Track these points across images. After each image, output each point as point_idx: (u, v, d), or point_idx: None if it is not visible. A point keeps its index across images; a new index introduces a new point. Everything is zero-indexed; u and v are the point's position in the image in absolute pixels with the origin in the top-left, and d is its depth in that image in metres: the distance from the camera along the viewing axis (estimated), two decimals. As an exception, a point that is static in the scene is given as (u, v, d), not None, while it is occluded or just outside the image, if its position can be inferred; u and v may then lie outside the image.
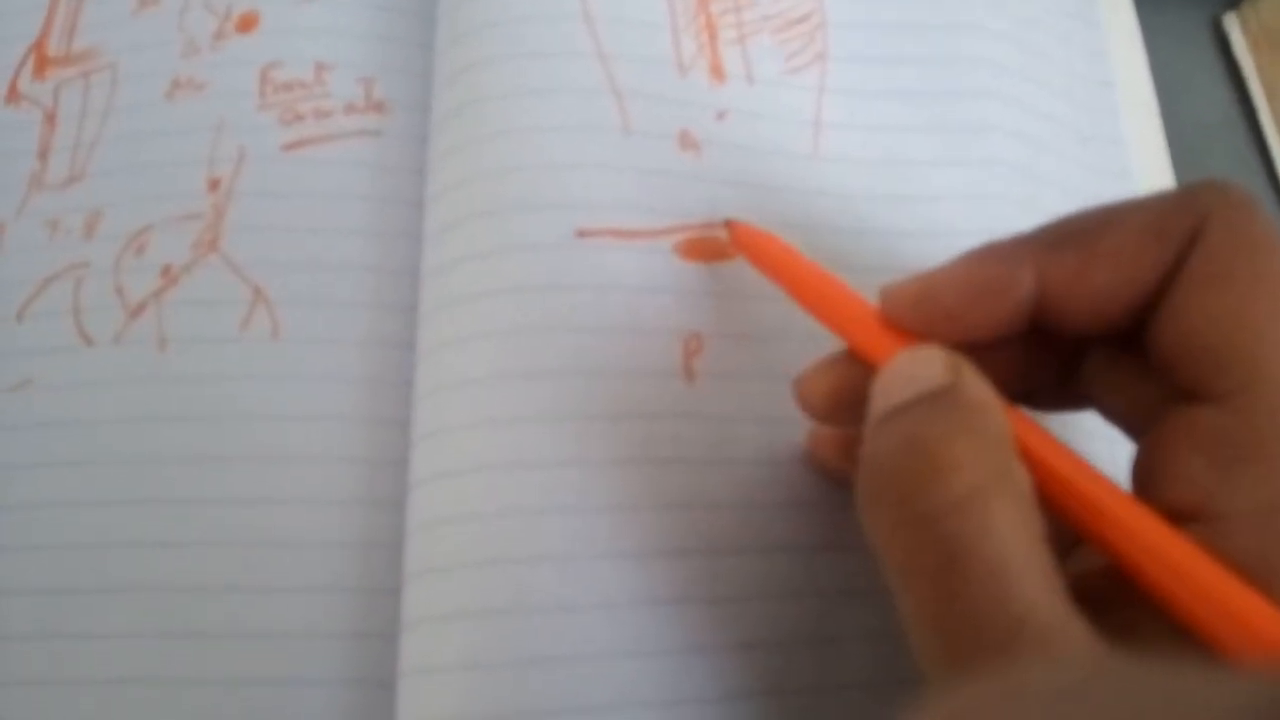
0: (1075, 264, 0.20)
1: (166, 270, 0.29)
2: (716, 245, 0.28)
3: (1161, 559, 0.17)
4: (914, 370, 0.19)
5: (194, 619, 0.25)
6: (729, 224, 0.28)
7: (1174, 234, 0.19)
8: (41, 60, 0.32)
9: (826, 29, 0.32)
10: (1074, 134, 0.33)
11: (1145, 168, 0.34)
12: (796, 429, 0.27)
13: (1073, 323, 0.21)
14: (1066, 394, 0.23)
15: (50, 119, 0.31)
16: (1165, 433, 0.19)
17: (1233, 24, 0.39)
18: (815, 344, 0.27)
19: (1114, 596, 0.18)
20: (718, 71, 0.30)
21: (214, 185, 0.29)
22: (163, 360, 0.28)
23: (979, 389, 0.19)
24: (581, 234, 0.27)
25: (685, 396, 0.26)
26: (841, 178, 0.30)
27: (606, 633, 0.24)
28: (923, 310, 0.21)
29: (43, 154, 0.31)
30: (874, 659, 0.25)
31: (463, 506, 0.25)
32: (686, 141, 0.29)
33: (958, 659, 0.17)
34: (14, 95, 0.32)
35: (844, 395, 0.22)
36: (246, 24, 0.31)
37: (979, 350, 0.20)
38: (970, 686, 0.17)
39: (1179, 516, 0.18)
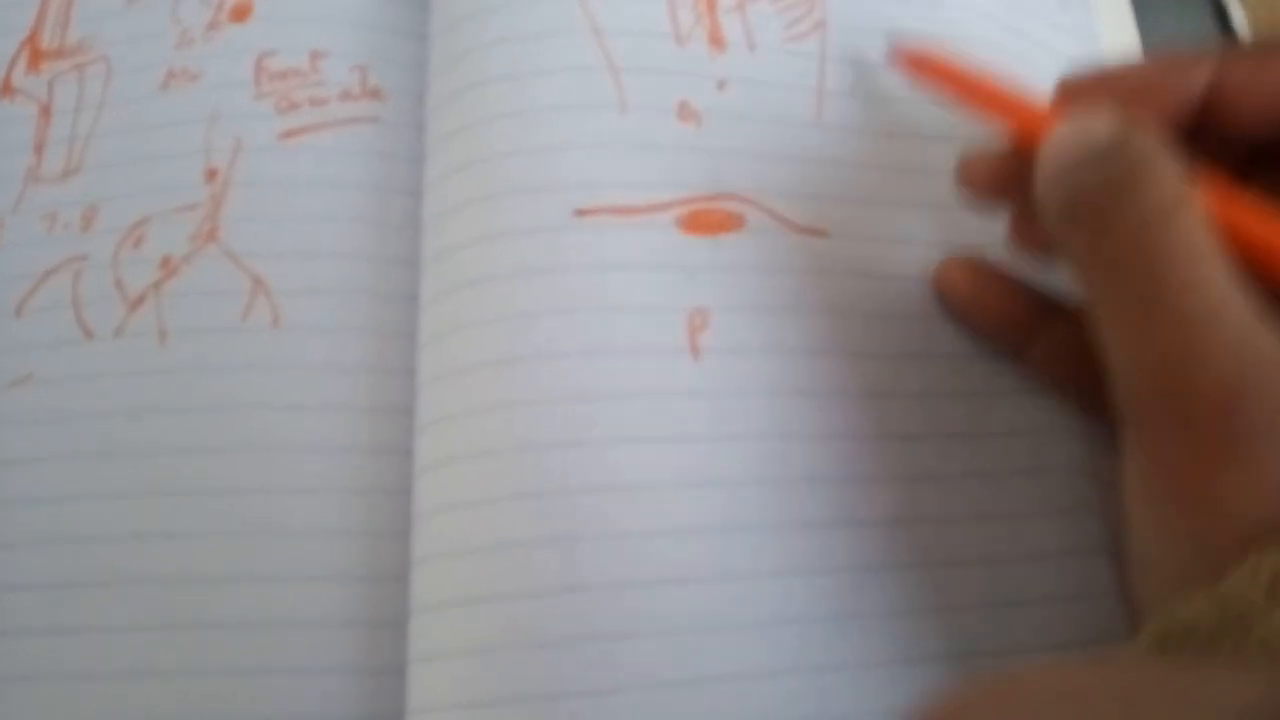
0: (1253, 62, 0.22)
1: (165, 262, 0.28)
2: (720, 217, 0.28)
3: None
4: (1084, 128, 0.21)
5: (199, 610, 0.25)
6: (894, 47, 0.29)
7: None
8: (35, 53, 0.32)
9: (827, -4, 0.31)
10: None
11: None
12: (809, 402, 0.26)
13: (1247, 122, 0.22)
14: None
15: (45, 112, 0.31)
16: None
17: (1232, -6, 0.39)
18: (830, 318, 0.27)
19: None
20: (717, 40, 0.30)
21: (211, 175, 0.29)
22: (164, 352, 0.27)
23: (1149, 139, 0.20)
24: (581, 213, 0.27)
25: (693, 374, 0.26)
26: (845, 146, 0.29)
27: (615, 613, 0.24)
28: (1098, 90, 0.23)
29: (38, 148, 0.30)
30: (891, 637, 0.25)
31: (468, 492, 0.25)
32: (686, 113, 0.29)
33: (1156, 346, 0.19)
34: (8, 89, 0.32)
35: (1005, 176, 0.25)
36: (240, 13, 0.31)
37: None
38: (967, 687, 0.17)
39: None
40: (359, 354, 0.28)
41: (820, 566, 0.25)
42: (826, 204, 0.29)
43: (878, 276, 0.28)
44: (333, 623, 0.25)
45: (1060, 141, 0.21)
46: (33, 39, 0.32)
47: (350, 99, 0.31)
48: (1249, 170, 0.23)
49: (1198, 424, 0.19)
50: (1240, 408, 0.18)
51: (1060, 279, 0.27)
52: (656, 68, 0.29)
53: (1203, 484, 0.19)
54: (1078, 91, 0.23)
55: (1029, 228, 0.26)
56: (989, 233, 0.28)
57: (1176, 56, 0.23)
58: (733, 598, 0.24)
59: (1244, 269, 0.20)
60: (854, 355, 0.27)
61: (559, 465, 0.25)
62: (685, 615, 0.24)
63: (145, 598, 0.25)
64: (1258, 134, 0.22)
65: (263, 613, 0.25)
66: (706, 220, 0.28)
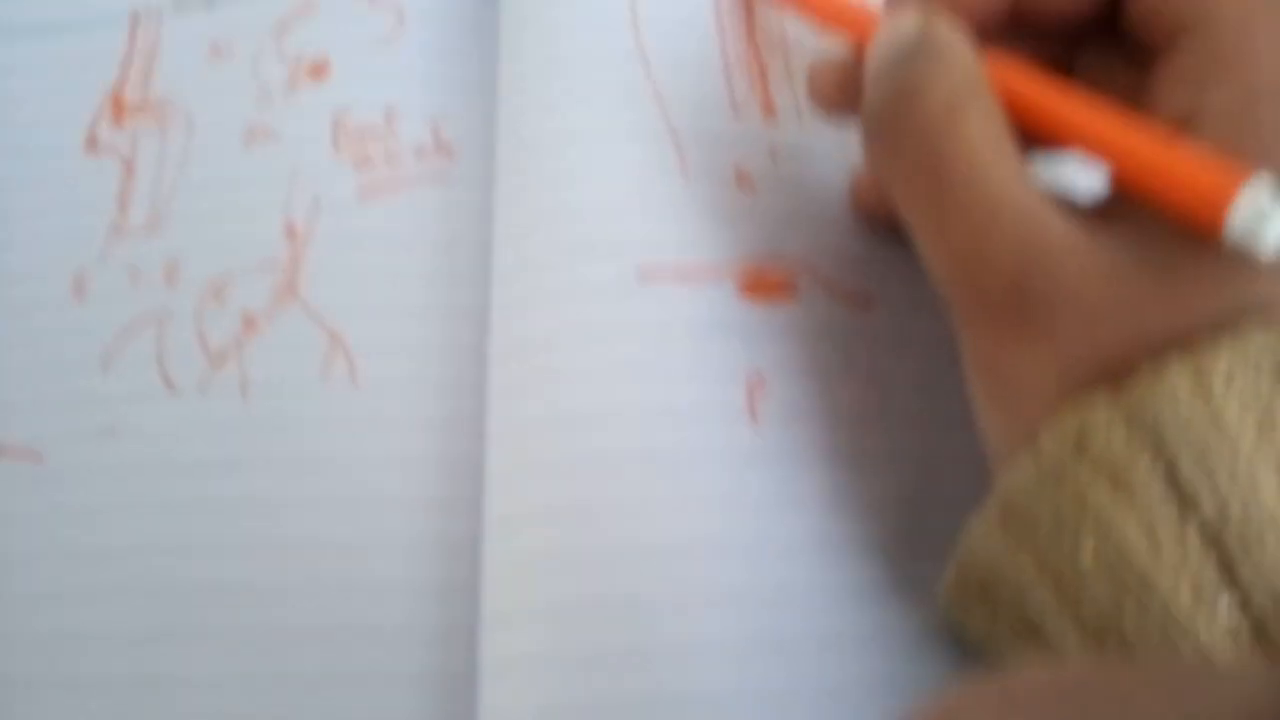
0: None
1: (247, 318, 0.29)
2: (775, 282, 0.28)
3: (1110, 139, 0.20)
4: (894, 29, 0.23)
5: (280, 663, 0.26)
6: None
7: None
8: (119, 108, 0.33)
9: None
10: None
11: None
12: (865, 471, 0.27)
13: (1054, 9, 0.24)
14: None
15: (129, 167, 0.32)
16: (1149, 86, 0.22)
17: None
18: (878, 385, 0.28)
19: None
20: (769, 108, 0.31)
21: (291, 232, 0.30)
22: (245, 407, 0.28)
23: (944, 31, 0.22)
24: (643, 276, 0.28)
25: (752, 439, 0.27)
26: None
27: (675, 679, 0.24)
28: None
29: (123, 201, 0.31)
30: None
31: (535, 552, 0.25)
32: (743, 179, 0.29)
33: (952, 244, 0.21)
34: (94, 144, 0.33)
35: (848, 85, 0.26)
36: (318, 71, 0.32)
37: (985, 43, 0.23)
38: (965, 686, 0.18)
39: None
40: (432, 409, 0.29)
41: (877, 634, 0.26)
42: (874, 270, 0.29)
43: (925, 343, 0.29)
44: (405, 676, 0.26)
45: (872, 49, 0.23)
46: (117, 94, 0.33)
47: (424, 155, 0.31)
48: (1077, 55, 0.25)
49: (991, 307, 0.21)
50: (1026, 288, 0.20)
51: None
52: (714, 134, 0.30)
53: (1005, 359, 0.21)
54: None
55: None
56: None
57: None
58: (786, 665, 0.25)
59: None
60: (906, 421, 0.28)
61: (620, 527, 0.25)
62: (745, 679, 0.25)
63: (227, 649, 0.26)
64: (1065, 20, 0.24)
65: (339, 665, 0.26)
66: (763, 284, 0.28)
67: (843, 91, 0.26)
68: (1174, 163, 0.19)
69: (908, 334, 0.29)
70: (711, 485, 0.26)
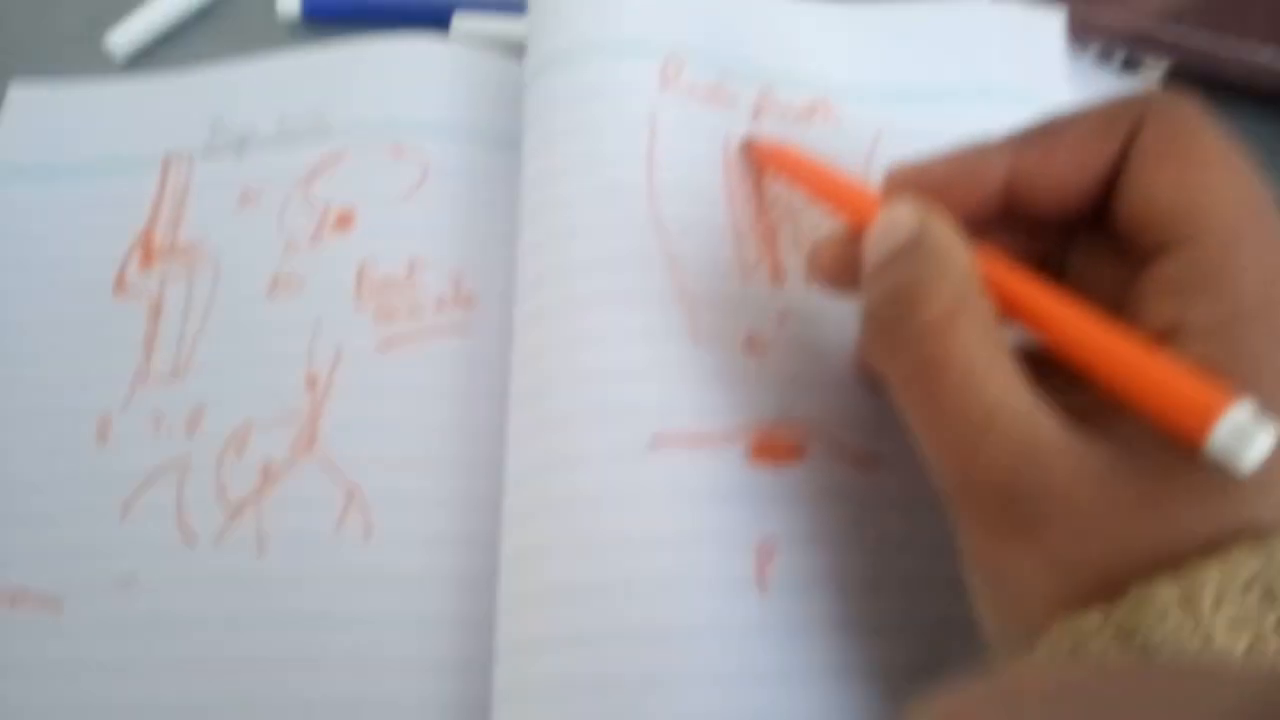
0: (1040, 154, 0.24)
1: (266, 470, 0.30)
2: (784, 446, 0.29)
3: (1092, 345, 0.21)
4: (891, 223, 0.24)
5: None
6: (747, 141, 0.32)
7: (1118, 129, 0.23)
8: (148, 252, 0.34)
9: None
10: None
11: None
12: (876, 637, 0.27)
13: (1045, 206, 0.24)
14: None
15: (156, 311, 0.33)
16: (1133, 292, 0.22)
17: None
18: (889, 549, 0.28)
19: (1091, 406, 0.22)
20: (778, 273, 0.31)
21: (312, 383, 0.31)
22: (261, 562, 0.29)
23: (943, 233, 0.23)
24: (655, 441, 0.28)
25: (761, 608, 0.27)
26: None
27: None
28: (912, 188, 0.25)
29: (148, 346, 0.32)
30: None
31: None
32: (752, 345, 0.30)
33: (948, 449, 0.22)
34: (122, 286, 0.33)
35: (847, 262, 0.26)
36: (344, 222, 0.33)
37: (973, 234, 0.24)
38: (1041, 661, 0.19)
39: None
40: (446, 565, 0.29)
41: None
42: (883, 432, 0.30)
43: (934, 505, 0.29)
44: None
45: (869, 239, 0.24)
46: (146, 237, 0.34)
47: (444, 307, 0.32)
48: (1069, 247, 0.26)
49: (985, 508, 0.21)
50: (1019, 491, 0.20)
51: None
52: (725, 299, 0.30)
53: (998, 558, 0.21)
54: (901, 182, 0.26)
55: None
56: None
57: (982, 147, 0.25)
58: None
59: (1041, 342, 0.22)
60: (916, 585, 0.28)
61: (628, 703, 0.26)
62: None
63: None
64: (1054, 216, 0.25)
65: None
66: (772, 449, 0.29)
67: (842, 268, 0.27)
68: (1158, 375, 0.20)
69: (918, 495, 0.29)
70: (720, 659, 0.26)
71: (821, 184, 0.29)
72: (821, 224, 0.33)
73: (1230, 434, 0.18)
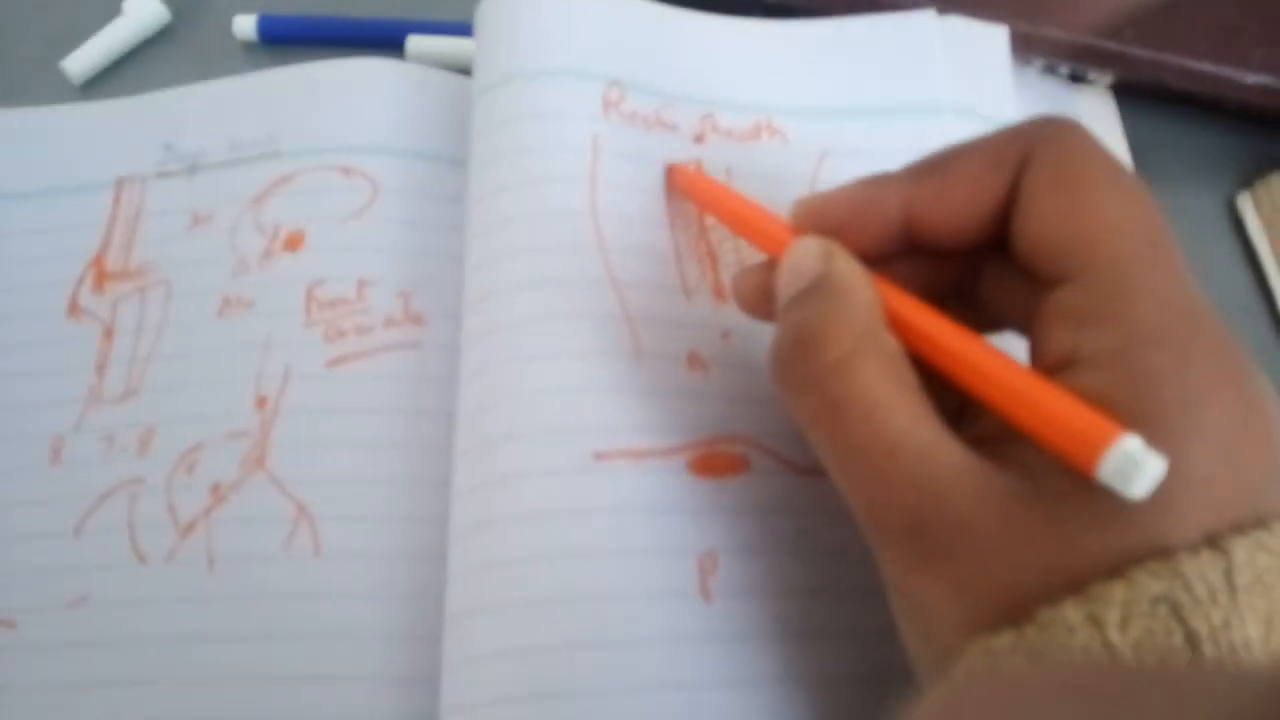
0: (933, 189, 0.25)
1: (216, 488, 0.30)
2: (726, 460, 0.29)
3: (988, 378, 0.22)
4: (798, 261, 0.25)
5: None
6: (670, 167, 0.33)
7: (1007, 159, 0.24)
8: (101, 275, 0.34)
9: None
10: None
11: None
12: (819, 645, 0.28)
13: (944, 238, 0.25)
14: (978, 312, 0.27)
15: (108, 333, 0.33)
16: (1036, 318, 0.23)
17: (1246, 204, 0.40)
18: (830, 558, 0.29)
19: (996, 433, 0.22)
20: (720, 293, 0.32)
21: (261, 403, 0.31)
22: (211, 579, 0.29)
23: (847, 273, 0.24)
24: (599, 456, 0.28)
25: (705, 617, 0.27)
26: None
27: None
28: (815, 223, 0.26)
29: (100, 368, 0.33)
30: None
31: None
32: (695, 361, 0.30)
33: (857, 484, 0.22)
34: (75, 309, 0.34)
35: (766, 290, 0.27)
36: (293, 243, 0.33)
37: (882, 263, 0.25)
38: (960, 683, 0.19)
39: (1050, 374, 0.22)
40: (394, 581, 0.30)
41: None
42: None
43: None
44: None
45: (778, 278, 0.25)
46: (99, 260, 0.34)
47: (393, 325, 0.33)
48: (979, 271, 0.26)
49: (895, 539, 0.22)
50: (924, 520, 0.21)
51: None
52: (667, 318, 0.31)
53: (910, 586, 0.22)
54: (806, 214, 0.26)
55: None
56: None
57: (877, 181, 0.25)
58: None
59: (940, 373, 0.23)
60: (858, 594, 0.29)
61: (575, 714, 0.26)
62: None
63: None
64: (955, 247, 0.25)
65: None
66: (714, 463, 0.29)
67: (761, 296, 0.27)
68: (1049, 408, 0.20)
69: None
70: (666, 667, 0.27)
71: (737, 216, 0.30)
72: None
73: (1119, 464, 0.19)
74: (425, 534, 0.30)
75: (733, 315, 0.32)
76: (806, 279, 0.24)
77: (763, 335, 0.31)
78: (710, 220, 0.33)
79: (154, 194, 0.35)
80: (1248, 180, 0.41)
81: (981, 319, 0.27)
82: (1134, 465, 0.18)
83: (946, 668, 0.21)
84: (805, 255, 0.25)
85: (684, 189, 0.33)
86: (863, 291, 0.24)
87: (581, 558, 0.27)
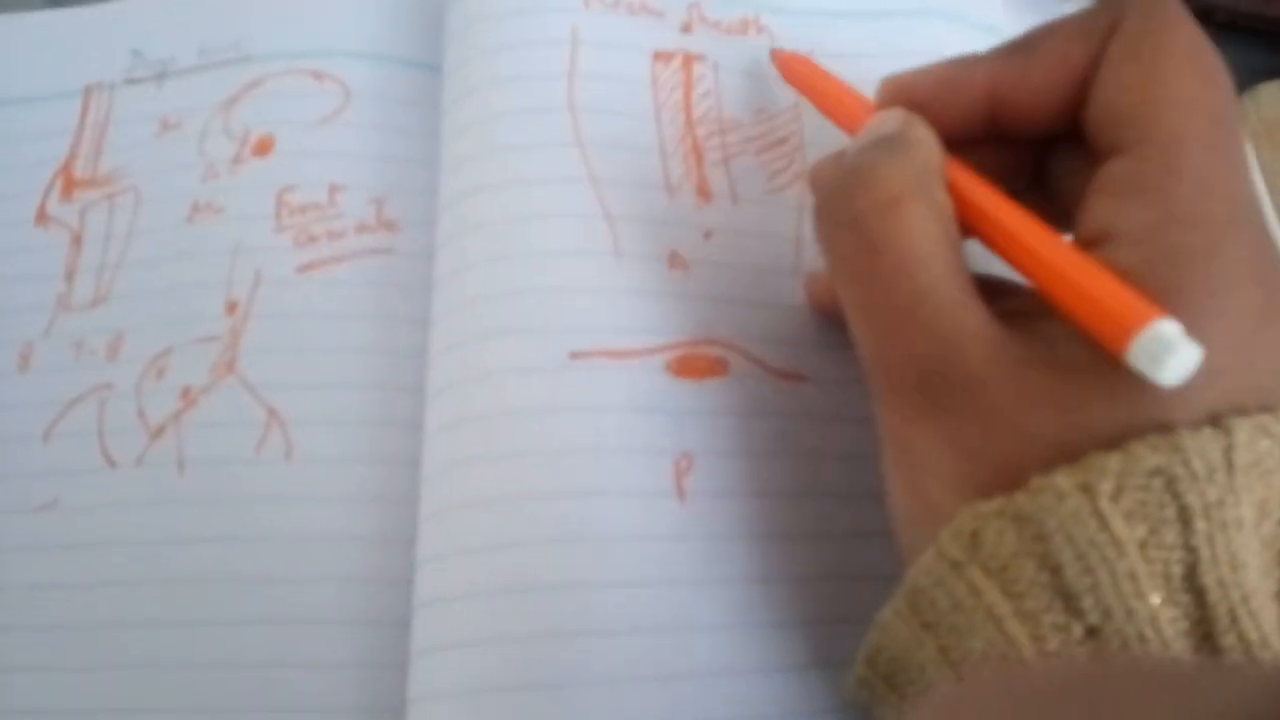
0: (1020, 66, 0.24)
1: (186, 392, 0.30)
2: (706, 362, 0.29)
3: (1026, 248, 0.22)
4: (876, 124, 0.25)
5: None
6: (773, 52, 0.33)
7: (1095, 31, 0.23)
8: (69, 182, 0.34)
9: (805, 150, 0.33)
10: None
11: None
12: (793, 547, 0.28)
13: (1028, 118, 0.24)
14: (1054, 205, 0.26)
15: (77, 241, 0.33)
16: (1085, 192, 0.22)
17: (1235, 116, 0.39)
18: (807, 462, 0.28)
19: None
20: (704, 192, 0.31)
21: (232, 308, 0.31)
22: (182, 482, 0.29)
23: (921, 134, 0.24)
24: (576, 355, 0.28)
25: (679, 517, 0.27)
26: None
27: None
28: (900, 100, 0.25)
29: (69, 275, 0.32)
30: None
31: (462, 632, 0.26)
32: (675, 261, 0.30)
33: (874, 329, 0.23)
34: (43, 217, 0.33)
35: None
36: (263, 147, 0.33)
37: (962, 147, 0.24)
38: (969, 682, 0.19)
39: (1085, 246, 0.21)
40: (368, 484, 0.29)
41: (807, 710, 0.26)
42: (804, 350, 0.30)
43: (854, 420, 0.29)
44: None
45: (854, 140, 0.25)
46: (68, 168, 0.34)
47: (366, 231, 0.32)
48: (1049, 158, 0.26)
49: (903, 388, 0.22)
50: (934, 373, 0.21)
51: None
52: (648, 217, 0.30)
53: (910, 437, 0.22)
54: (892, 93, 0.26)
55: None
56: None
57: (964, 61, 0.25)
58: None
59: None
60: (833, 497, 0.28)
61: (547, 608, 0.26)
62: None
63: (159, 727, 0.27)
64: (1037, 128, 0.25)
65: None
66: (694, 365, 0.29)
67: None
68: (1089, 284, 0.20)
69: (838, 410, 0.30)
70: (639, 564, 0.27)
71: (834, 100, 0.29)
72: (751, 141, 0.33)
73: (1152, 348, 0.18)
74: (399, 438, 0.30)
75: (716, 214, 0.31)
76: (879, 135, 0.24)
77: (747, 237, 0.31)
78: (697, 115, 0.32)
79: (122, 101, 0.35)
80: (1236, 92, 0.40)
81: (1057, 212, 0.26)
82: (1167, 350, 0.18)
83: (931, 532, 0.21)
84: (884, 119, 0.25)
85: (783, 70, 0.32)
86: (929, 149, 0.24)
87: (557, 455, 0.27)
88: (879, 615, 0.23)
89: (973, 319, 0.21)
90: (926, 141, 0.24)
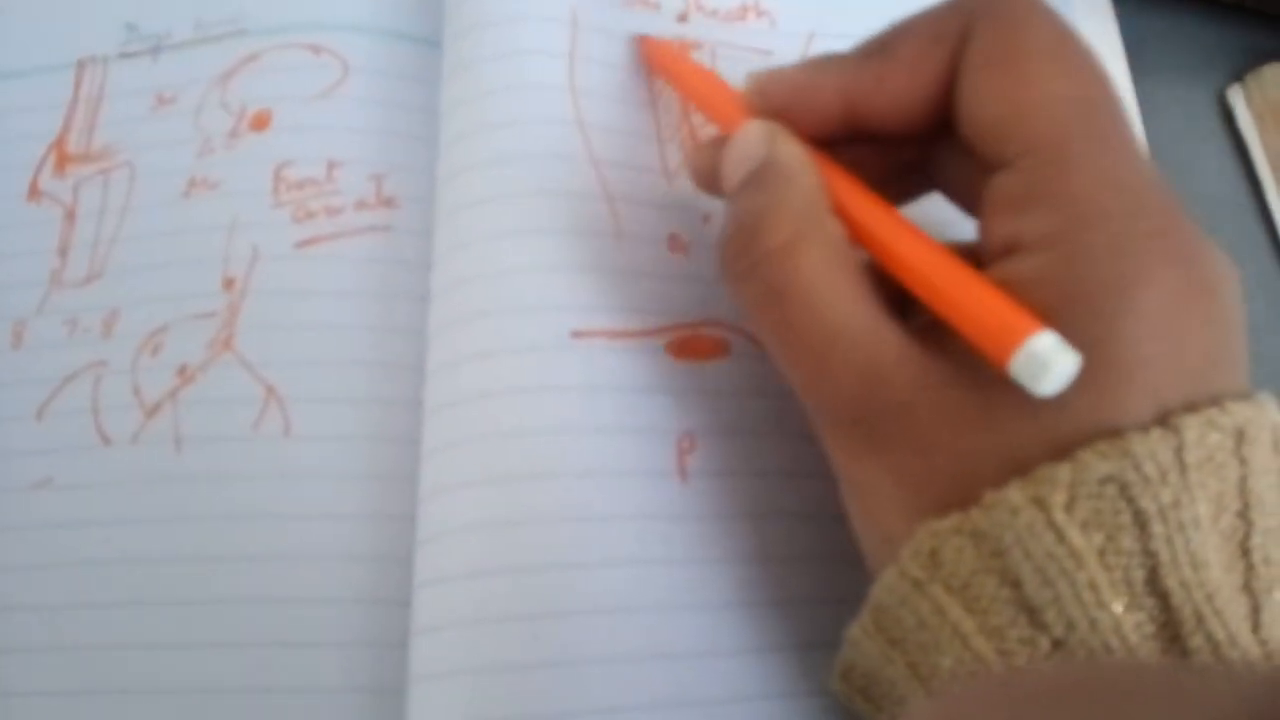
0: (874, 73, 0.23)
1: (182, 370, 0.29)
2: (706, 344, 0.29)
3: (910, 267, 0.21)
4: (742, 146, 0.24)
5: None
6: (637, 38, 0.32)
7: (948, 35, 0.22)
8: (62, 157, 0.33)
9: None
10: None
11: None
12: (794, 526, 0.27)
13: (890, 122, 0.24)
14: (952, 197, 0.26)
15: (70, 216, 0.32)
16: (981, 202, 0.22)
17: (1237, 97, 0.39)
18: (808, 441, 0.28)
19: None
20: None
21: (229, 284, 0.30)
22: (178, 460, 0.29)
23: (788, 158, 0.23)
24: (576, 335, 0.28)
25: (680, 497, 0.27)
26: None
27: None
28: (762, 103, 0.25)
29: (63, 251, 0.32)
30: None
31: (462, 611, 0.26)
32: (675, 244, 0.30)
33: (800, 373, 0.22)
34: (35, 192, 0.33)
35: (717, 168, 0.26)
36: (260, 122, 0.32)
37: (832, 146, 0.24)
38: (966, 686, 0.19)
39: (993, 258, 0.21)
40: (366, 462, 0.29)
41: (806, 690, 0.26)
42: None
43: None
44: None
45: (725, 162, 0.25)
46: (60, 143, 0.33)
47: (365, 208, 0.32)
48: (932, 152, 0.26)
49: (839, 433, 0.22)
50: (866, 405, 0.21)
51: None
52: (648, 200, 0.30)
53: (854, 472, 0.22)
54: (758, 91, 0.25)
55: None
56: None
57: (819, 64, 0.25)
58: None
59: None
60: (834, 478, 0.28)
61: (549, 587, 0.26)
62: None
63: (157, 708, 0.26)
64: (902, 130, 0.24)
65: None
66: (694, 346, 0.29)
67: (716, 175, 0.27)
68: (967, 301, 0.20)
69: None
70: (641, 543, 0.26)
71: (695, 89, 0.29)
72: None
73: (1027, 362, 0.18)
74: (398, 416, 0.29)
75: (714, 199, 0.31)
76: (750, 164, 0.24)
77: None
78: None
79: (116, 75, 0.34)
80: (1239, 73, 0.40)
81: (957, 202, 0.26)
82: (1041, 364, 0.18)
83: (890, 553, 0.21)
84: (749, 139, 0.24)
85: (647, 58, 0.32)
86: (804, 178, 0.23)
87: (557, 434, 0.27)
88: (848, 631, 0.22)
89: (890, 348, 0.21)
90: (799, 167, 0.23)
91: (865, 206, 0.23)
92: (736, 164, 0.24)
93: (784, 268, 0.22)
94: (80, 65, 0.35)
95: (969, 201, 0.25)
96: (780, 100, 0.25)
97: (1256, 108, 0.39)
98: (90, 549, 0.28)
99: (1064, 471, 0.19)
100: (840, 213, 0.23)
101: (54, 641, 0.27)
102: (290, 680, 0.27)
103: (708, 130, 0.32)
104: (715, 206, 0.31)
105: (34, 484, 0.29)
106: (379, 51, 0.34)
